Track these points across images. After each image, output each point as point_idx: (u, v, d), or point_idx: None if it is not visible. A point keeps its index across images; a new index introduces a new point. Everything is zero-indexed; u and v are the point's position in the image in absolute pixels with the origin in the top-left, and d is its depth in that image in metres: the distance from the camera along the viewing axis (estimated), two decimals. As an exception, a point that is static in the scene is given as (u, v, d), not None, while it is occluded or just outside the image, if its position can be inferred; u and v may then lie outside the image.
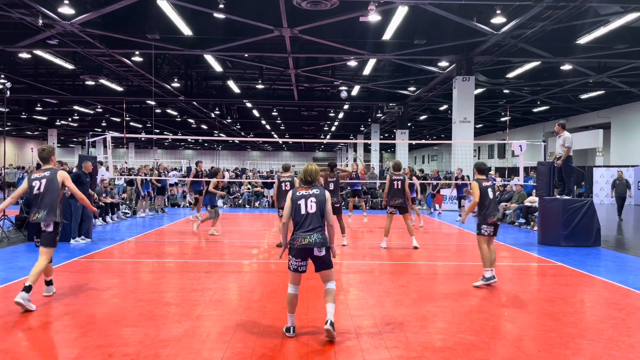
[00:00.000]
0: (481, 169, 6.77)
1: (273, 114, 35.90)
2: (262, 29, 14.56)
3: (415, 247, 9.48)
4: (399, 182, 9.56)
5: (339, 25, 15.40)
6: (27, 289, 5.09)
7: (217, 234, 11.32)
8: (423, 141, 53.83)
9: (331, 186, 9.73)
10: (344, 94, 13.05)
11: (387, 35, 14.96)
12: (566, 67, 19.08)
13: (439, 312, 5.33)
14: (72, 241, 9.63)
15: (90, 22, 14.24)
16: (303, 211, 4.42)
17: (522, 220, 13.65)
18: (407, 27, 15.26)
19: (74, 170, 10.02)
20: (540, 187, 10.88)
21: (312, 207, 4.44)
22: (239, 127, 43.64)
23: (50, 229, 5.40)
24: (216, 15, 13.53)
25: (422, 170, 23.21)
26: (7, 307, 5.29)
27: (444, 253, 9.50)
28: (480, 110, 29.78)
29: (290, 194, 4.59)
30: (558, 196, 10.59)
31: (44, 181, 5.44)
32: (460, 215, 13.16)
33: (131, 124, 39.23)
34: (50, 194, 5.43)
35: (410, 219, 9.82)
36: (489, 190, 6.49)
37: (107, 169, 13.37)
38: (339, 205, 9.79)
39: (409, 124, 32.23)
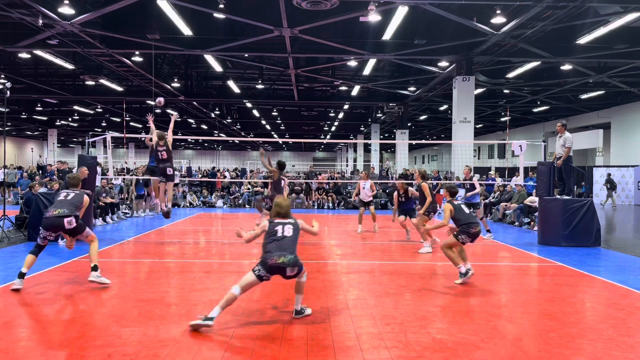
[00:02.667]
0: (453, 192, 7.02)
1: (273, 114, 35.90)
2: (262, 29, 14.57)
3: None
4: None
5: (339, 25, 15.40)
6: (94, 268, 6.07)
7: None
8: (423, 141, 53.84)
9: (282, 183, 10.20)
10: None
11: (387, 35, 14.96)
12: (566, 67, 19.08)
13: (439, 312, 5.33)
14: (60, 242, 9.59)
15: (90, 22, 14.24)
16: (280, 234, 4.90)
17: (527, 220, 13.64)
18: (407, 27, 15.26)
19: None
20: (540, 187, 10.88)
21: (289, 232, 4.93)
22: (239, 127, 43.64)
23: (74, 224, 6.04)
24: (216, 15, 13.53)
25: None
26: (7, 307, 5.29)
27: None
28: (480, 110, 29.79)
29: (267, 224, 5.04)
30: (558, 196, 10.59)
31: (72, 194, 6.30)
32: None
33: (131, 124, 39.23)
34: (73, 202, 6.20)
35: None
36: (463, 206, 6.71)
37: (107, 170, 13.35)
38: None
39: (409, 124, 32.23)
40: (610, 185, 22.46)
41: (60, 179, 11.67)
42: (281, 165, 10.53)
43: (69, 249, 6.67)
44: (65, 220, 5.97)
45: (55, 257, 8.13)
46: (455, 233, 6.64)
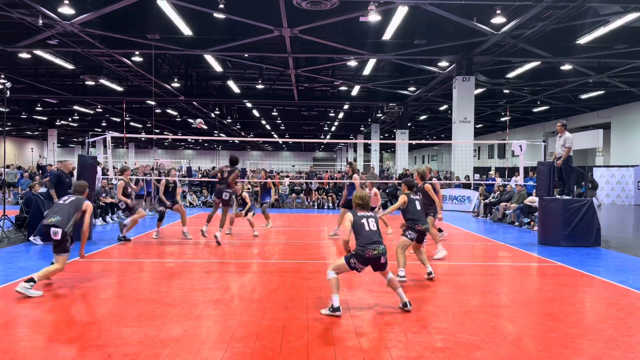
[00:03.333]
0: (410, 185, 7.07)
1: (273, 114, 35.91)
2: (262, 29, 14.57)
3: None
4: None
5: (339, 25, 15.41)
6: (31, 280, 5.67)
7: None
8: (423, 141, 53.85)
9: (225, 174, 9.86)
10: None
11: (387, 35, 14.96)
12: (566, 67, 19.09)
13: (439, 312, 5.33)
14: (31, 238, 9.60)
15: (90, 22, 14.24)
16: (367, 228, 5.18)
17: (527, 220, 13.64)
18: (407, 27, 15.26)
19: (55, 170, 9.94)
20: (540, 187, 10.87)
21: (374, 226, 5.24)
22: (239, 127, 43.64)
23: (58, 236, 5.90)
24: (216, 15, 13.53)
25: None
26: (7, 307, 5.29)
27: (444, 253, 9.49)
28: (480, 110, 29.78)
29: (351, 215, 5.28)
30: (558, 196, 10.59)
31: (72, 198, 6.32)
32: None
33: (131, 124, 39.23)
34: (70, 207, 6.13)
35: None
36: (417, 203, 6.78)
37: (107, 170, 13.33)
38: (228, 198, 9.74)
39: (409, 124, 32.25)
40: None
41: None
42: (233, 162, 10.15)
43: (81, 257, 6.47)
44: (52, 230, 5.91)
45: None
46: (404, 229, 6.73)
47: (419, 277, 7.12)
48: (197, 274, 7.04)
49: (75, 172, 10.92)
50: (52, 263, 6.17)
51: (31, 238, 9.69)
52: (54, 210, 6.16)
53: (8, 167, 20.23)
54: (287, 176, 27.44)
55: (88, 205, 6.29)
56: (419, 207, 6.79)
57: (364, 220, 5.22)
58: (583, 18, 14.06)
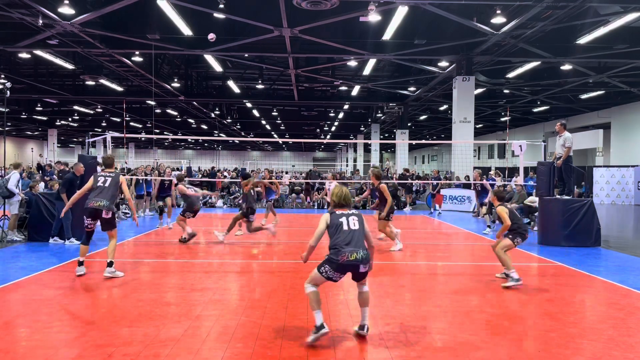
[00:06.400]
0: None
1: (273, 114, 35.92)
2: (262, 29, 14.57)
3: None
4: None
5: (339, 25, 15.41)
6: (110, 264, 6.64)
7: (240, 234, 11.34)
8: (423, 141, 53.86)
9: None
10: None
11: (387, 35, 14.96)
12: (566, 67, 19.09)
13: (439, 312, 5.33)
14: (66, 242, 9.58)
15: (90, 22, 14.25)
16: (346, 227, 4.34)
17: (527, 220, 13.63)
18: (407, 27, 15.27)
19: (68, 174, 9.92)
20: (540, 187, 10.87)
21: (355, 225, 4.38)
22: (239, 127, 43.65)
23: (109, 215, 6.63)
24: (216, 15, 13.53)
25: (407, 170, 23.33)
26: (7, 306, 5.29)
27: (444, 253, 9.50)
28: (480, 110, 29.79)
29: (329, 216, 4.46)
30: (558, 196, 10.59)
31: (109, 179, 6.79)
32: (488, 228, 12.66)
33: (131, 124, 39.24)
34: (113, 189, 6.75)
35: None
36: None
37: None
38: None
39: (409, 124, 32.26)
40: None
41: (60, 179, 11.66)
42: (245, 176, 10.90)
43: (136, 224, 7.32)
44: (104, 211, 6.58)
45: (56, 257, 8.13)
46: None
47: (419, 277, 7.12)
48: (197, 274, 7.04)
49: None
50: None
51: (51, 240, 9.65)
52: (97, 193, 6.64)
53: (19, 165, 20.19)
54: (287, 172, 27.36)
55: (123, 179, 6.99)
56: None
57: (342, 219, 4.33)
58: (583, 18, 14.06)
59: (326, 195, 12.80)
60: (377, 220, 9.37)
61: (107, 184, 6.72)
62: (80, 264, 6.76)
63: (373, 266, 4.54)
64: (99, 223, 6.74)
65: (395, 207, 8.61)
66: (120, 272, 6.77)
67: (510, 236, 6.73)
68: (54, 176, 15.97)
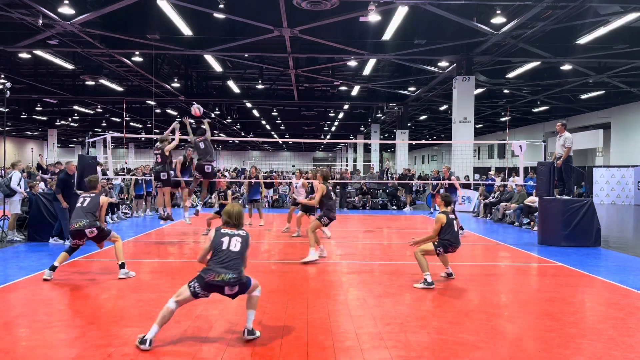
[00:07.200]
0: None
1: (273, 114, 35.91)
2: (262, 29, 14.56)
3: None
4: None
5: (339, 25, 15.40)
6: (122, 266, 6.74)
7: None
8: (423, 141, 53.84)
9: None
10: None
11: (387, 35, 14.95)
12: (566, 67, 19.08)
13: (439, 312, 5.33)
14: (66, 242, 9.55)
15: (90, 22, 14.23)
16: (225, 247, 4.31)
17: (527, 220, 13.64)
18: (407, 27, 15.25)
19: (60, 174, 9.87)
20: (540, 187, 10.87)
21: (236, 247, 4.34)
22: (239, 127, 43.62)
23: (95, 233, 6.57)
24: (216, 15, 13.53)
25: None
26: (7, 306, 5.29)
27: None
28: (480, 110, 29.78)
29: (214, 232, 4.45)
30: (558, 196, 10.59)
31: (87, 199, 6.69)
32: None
33: (131, 124, 39.22)
34: (92, 208, 6.62)
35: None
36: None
37: (107, 170, 13.32)
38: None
39: (409, 124, 32.24)
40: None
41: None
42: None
43: (100, 248, 7.19)
44: (87, 230, 6.49)
45: (55, 257, 8.10)
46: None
47: (419, 278, 7.12)
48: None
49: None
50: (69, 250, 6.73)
51: (51, 240, 9.67)
52: (77, 215, 6.56)
53: (16, 164, 20.13)
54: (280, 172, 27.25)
55: (104, 201, 6.81)
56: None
57: (225, 239, 4.31)
58: (583, 18, 14.05)
59: (294, 194, 12.80)
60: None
61: (85, 204, 6.63)
62: (53, 268, 6.52)
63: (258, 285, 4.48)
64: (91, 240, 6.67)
65: (334, 218, 8.13)
66: (133, 272, 6.84)
67: (435, 243, 6.69)
68: (54, 176, 15.96)
